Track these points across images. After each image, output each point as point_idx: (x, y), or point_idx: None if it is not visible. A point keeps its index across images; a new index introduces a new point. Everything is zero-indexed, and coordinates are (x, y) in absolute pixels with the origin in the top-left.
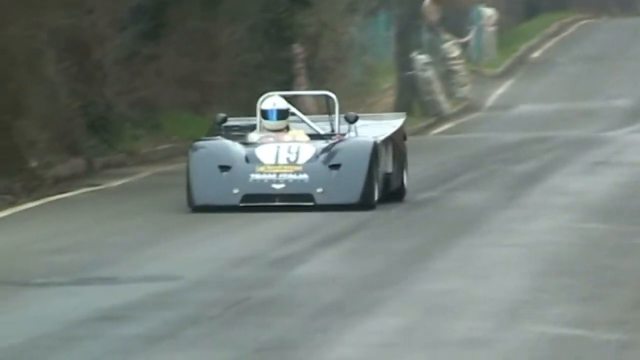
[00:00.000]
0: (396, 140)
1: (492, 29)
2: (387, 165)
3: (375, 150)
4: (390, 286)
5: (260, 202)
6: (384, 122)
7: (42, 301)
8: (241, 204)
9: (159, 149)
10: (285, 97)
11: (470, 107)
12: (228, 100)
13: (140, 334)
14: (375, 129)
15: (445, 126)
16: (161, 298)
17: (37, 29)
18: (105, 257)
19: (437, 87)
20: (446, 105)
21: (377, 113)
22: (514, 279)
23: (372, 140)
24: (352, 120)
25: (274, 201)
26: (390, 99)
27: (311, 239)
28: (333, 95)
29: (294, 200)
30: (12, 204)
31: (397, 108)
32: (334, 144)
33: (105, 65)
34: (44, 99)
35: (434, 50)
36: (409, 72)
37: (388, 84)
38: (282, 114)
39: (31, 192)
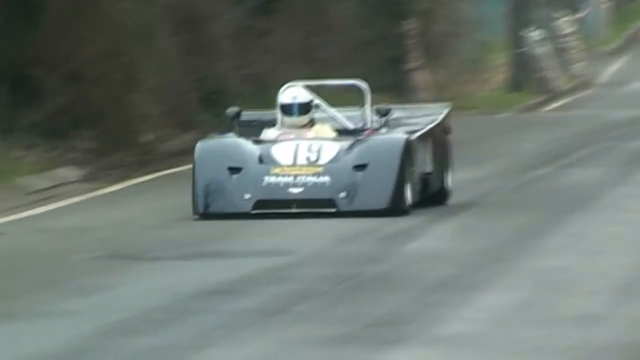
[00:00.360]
0: (437, 135)
1: (606, 5)
2: (425, 164)
3: (408, 147)
4: (503, 262)
5: (275, 208)
6: (424, 113)
7: (154, 275)
8: (253, 211)
9: None
10: (310, 87)
11: (583, 84)
12: (339, 76)
13: (251, 308)
14: (413, 121)
15: (559, 103)
16: (272, 273)
17: (150, 3)
18: (217, 232)
19: (550, 63)
20: (559, 82)
21: (420, 104)
22: (628, 256)
23: (404, 136)
24: (384, 113)
25: (291, 207)
26: (503, 75)
27: (422, 215)
28: (364, 85)
29: (314, 206)
30: (125, 177)
31: (511, 85)
32: (360, 141)
33: (217, 40)
34: (157, 73)
35: (547, 26)
36: (522, 49)
37: (501, 61)
38: (304, 108)
39: (143, 166)
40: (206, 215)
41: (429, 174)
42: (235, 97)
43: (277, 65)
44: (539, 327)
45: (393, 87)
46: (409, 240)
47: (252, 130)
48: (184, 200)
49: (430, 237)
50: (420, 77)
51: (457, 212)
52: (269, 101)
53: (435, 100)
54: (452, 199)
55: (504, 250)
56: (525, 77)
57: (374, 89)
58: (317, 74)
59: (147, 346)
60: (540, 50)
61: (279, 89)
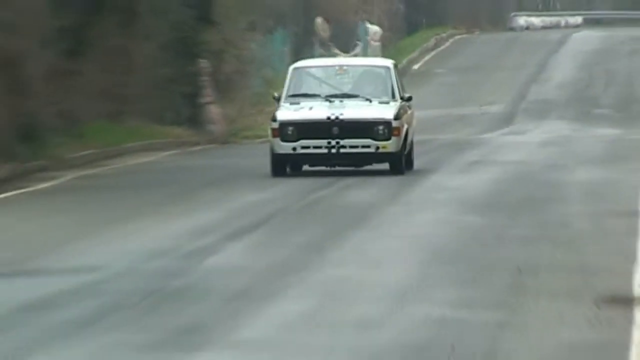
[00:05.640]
0: None
1: (377, 43)
2: None
3: None
4: (292, 274)
5: None
6: None
7: None
8: None
9: (81, 155)
10: None
11: None
12: (141, 110)
13: (66, 320)
14: None
15: None
16: (85, 288)
17: None
18: (33, 252)
19: None
20: None
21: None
22: (402, 267)
23: None
24: None
25: None
26: None
27: (217, 233)
28: None
29: None
30: None
31: None
32: None
33: (31, 80)
34: None
35: None
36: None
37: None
38: None
39: None
40: None
41: None
42: (48, 131)
43: (86, 101)
44: (325, 331)
45: (189, 119)
46: (207, 256)
47: None
48: (3, 223)
49: (226, 253)
50: (214, 111)
51: (250, 230)
52: (81, 134)
53: (226, 131)
54: (243, 219)
55: (292, 263)
56: None
57: (171, 122)
58: (122, 108)
59: None
60: None
61: (88, 122)
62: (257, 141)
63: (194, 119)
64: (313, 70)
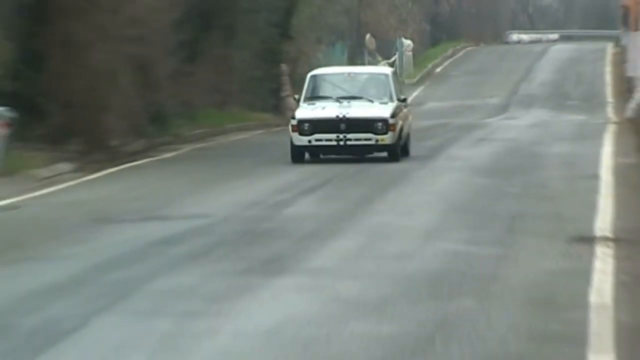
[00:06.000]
0: None
1: (409, 54)
2: None
3: None
4: (347, 220)
5: None
6: None
7: (122, 231)
8: None
9: (195, 133)
10: None
11: None
12: (239, 101)
13: (184, 252)
14: None
15: None
16: (197, 229)
17: (116, 55)
18: (160, 203)
19: None
20: None
21: None
22: (427, 215)
23: None
24: None
25: None
26: None
27: (294, 190)
28: None
29: None
30: (100, 169)
31: None
32: None
33: (159, 79)
34: (121, 101)
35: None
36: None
37: None
38: None
39: (111, 162)
40: None
41: None
42: (171, 116)
43: (198, 95)
44: (371, 261)
45: (273, 108)
46: (285, 207)
47: None
48: (139, 183)
49: (299, 205)
50: (290, 102)
51: (316, 188)
52: (194, 118)
53: None
54: (311, 181)
55: (347, 212)
56: None
57: (260, 109)
58: (224, 99)
59: (119, 278)
60: None
61: (200, 109)
62: None
63: (277, 107)
64: (327, 77)
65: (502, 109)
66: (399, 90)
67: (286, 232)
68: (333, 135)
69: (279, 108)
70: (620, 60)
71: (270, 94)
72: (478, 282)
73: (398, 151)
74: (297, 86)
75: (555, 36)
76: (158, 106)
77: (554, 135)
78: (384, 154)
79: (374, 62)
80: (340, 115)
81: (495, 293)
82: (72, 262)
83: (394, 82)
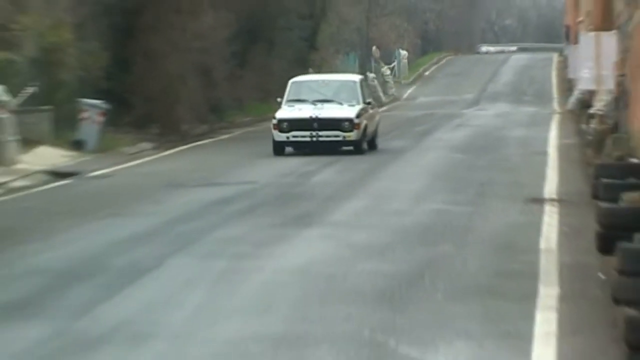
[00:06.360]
0: None
1: (405, 60)
2: None
3: None
4: (358, 186)
5: None
6: None
7: (190, 194)
8: None
9: (244, 120)
10: None
11: (394, 99)
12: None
13: (235, 210)
14: None
15: (382, 109)
16: (245, 193)
17: (186, 61)
18: (217, 173)
19: (379, 88)
20: (383, 98)
21: None
22: (418, 182)
23: None
24: None
25: None
26: None
27: (319, 163)
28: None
29: None
30: (173, 147)
31: None
32: None
33: (217, 80)
34: (189, 96)
35: (378, 71)
36: (366, 82)
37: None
38: None
39: (182, 142)
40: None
41: None
42: (226, 108)
43: (247, 92)
44: (377, 217)
45: None
46: (312, 176)
47: None
48: (203, 158)
49: (323, 174)
50: None
51: (335, 162)
52: (244, 109)
53: None
54: (331, 157)
55: (358, 180)
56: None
57: None
58: (266, 96)
59: (186, 229)
60: (373, 82)
61: (248, 103)
62: None
63: None
64: (305, 83)
65: (475, 102)
66: (366, 95)
67: (312, 194)
68: (307, 133)
69: None
70: (563, 66)
71: None
72: (456, 232)
73: (362, 146)
74: None
75: (514, 48)
76: (216, 100)
77: (513, 122)
78: (351, 148)
79: (379, 67)
80: (313, 116)
81: (469, 241)
82: (150, 218)
83: (361, 88)
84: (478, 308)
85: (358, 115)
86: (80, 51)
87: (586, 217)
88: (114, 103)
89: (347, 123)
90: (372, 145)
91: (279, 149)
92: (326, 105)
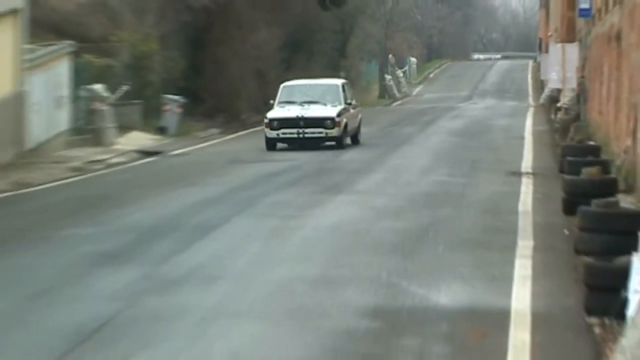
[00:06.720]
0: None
1: (414, 65)
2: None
3: None
4: (377, 162)
5: None
6: None
7: (249, 169)
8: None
9: None
10: None
11: (406, 96)
12: None
13: (283, 181)
14: None
15: (397, 103)
16: (290, 168)
17: (246, 65)
18: (270, 152)
19: (394, 87)
20: (397, 95)
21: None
22: (424, 159)
23: None
24: None
25: None
26: (376, 92)
27: (347, 146)
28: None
29: None
30: (235, 132)
31: (379, 96)
32: None
33: (269, 81)
34: (247, 93)
35: (393, 73)
36: (384, 82)
37: (376, 86)
38: None
39: (242, 128)
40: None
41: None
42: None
43: None
44: (392, 186)
45: None
46: (341, 155)
47: None
48: (259, 140)
49: (349, 154)
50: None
51: (357, 146)
52: None
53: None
54: (355, 144)
55: (377, 157)
56: (384, 93)
57: None
58: None
59: (245, 195)
60: (390, 83)
61: None
62: (364, 106)
63: None
64: (294, 87)
65: (468, 98)
66: (348, 97)
67: (341, 169)
68: (294, 130)
69: None
70: (537, 70)
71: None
72: (453, 198)
73: (343, 141)
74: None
75: (499, 56)
76: (268, 96)
77: (498, 113)
78: (333, 143)
79: (394, 71)
80: (300, 115)
81: (463, 205)
82: (218, 187)
83: (343, 90)
84: (470, 257)
85: (339, 115)
86: (164, 58)
87: (554, 187)
88: (189, 98)
89: (329, 121)
90: (355, 140)
91: (270, 144)
92: (312, 106)
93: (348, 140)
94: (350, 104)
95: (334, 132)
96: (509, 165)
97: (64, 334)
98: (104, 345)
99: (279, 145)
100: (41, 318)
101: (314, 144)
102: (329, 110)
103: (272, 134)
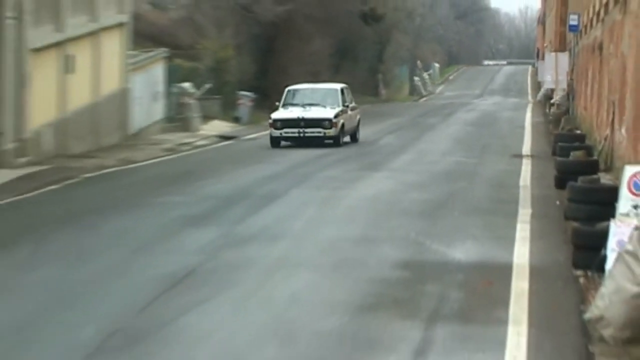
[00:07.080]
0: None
1: (437, 70)
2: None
3: None
4: (408, 146)
5: None
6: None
7: (303, 151)
8: None
9: None
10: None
11: (431, 94)
12: (360, 91)
13: (330, 161)
14: None
15: (423, 99)
16: (338, 150)
17: (302, 70)
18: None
19: (422, 86)
20: (424, 92)
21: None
22: (445, 144)
23: None
24: None
25: None
26: (407, 90)
27: (384, 132)
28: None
29: None
30: None
31: (409, 93)
32: None
33: (323, 80)
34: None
35: (420, 76)
36: (413, 82)
37: (406, 86)
38: None
39: None
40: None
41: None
42: None
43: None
44: (419, 165)
45: (374, 94)
46: (379, 139)
47: None
48: None
49: (387, 139)
50: (383, 92)
51: (393, 131)
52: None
53: (389, 101)
54: (392, 128)
55: (408, 142)
56: (415, 90)
57: (370, 95)
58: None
59: (301, 172)
60: (418, 82)
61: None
62: (399, 102)
63: (376, 94)
64: (298, 90)
65: (480, 95)
66: (347, 100)
67: (379, 151)
68: (295, 130)
69: (377, 94)
70: (535, 73)
71: (374, 88)
72: (467, 175)
73: (340, 140)
74: (386, 85)
75: (505, 62)
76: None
77: (503, 108)
78: (331, 141)
79: (421, 74)
80: (300, 116)
81: (476, 180)
82: (280, 164)
83: (341, 94)
84: (480, 221)
85: (336, 116)
86: (238, 62)
87: (548, 167)
88: (258, 94)
89: (327, 122)
90: (354, 139)
91: (275, 142)
92: (313, 108)
93: (346, 139)
94: (348, 106)
95: (332, 132)
96: (512, 149)
97: (160, 279)
98: (191, 288)
99: (283, 143)
100: (143, 267)
101: (313, 142)
102: (327, 112)
103: (276, 133)
